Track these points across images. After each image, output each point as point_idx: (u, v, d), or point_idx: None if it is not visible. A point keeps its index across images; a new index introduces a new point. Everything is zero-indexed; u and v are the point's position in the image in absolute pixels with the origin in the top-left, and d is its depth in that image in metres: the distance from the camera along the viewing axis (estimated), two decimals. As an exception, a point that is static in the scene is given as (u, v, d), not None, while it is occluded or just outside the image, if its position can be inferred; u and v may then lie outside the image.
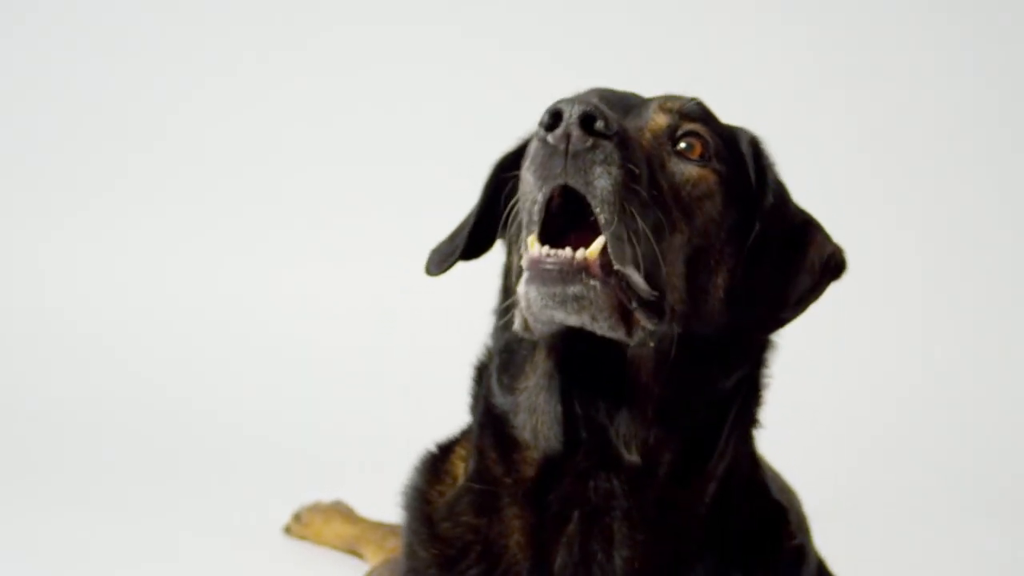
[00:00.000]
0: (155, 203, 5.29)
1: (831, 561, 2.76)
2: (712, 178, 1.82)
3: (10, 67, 5.41)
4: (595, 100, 1.68)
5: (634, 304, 1.65)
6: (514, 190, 1.94)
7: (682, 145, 1.82)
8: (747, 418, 1.95)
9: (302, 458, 3.85)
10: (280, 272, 5.08)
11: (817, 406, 4.36)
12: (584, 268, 1.60)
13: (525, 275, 1.63)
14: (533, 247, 1.64)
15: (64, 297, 4.97)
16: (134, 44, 5.41)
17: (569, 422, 1.81)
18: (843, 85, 5.25)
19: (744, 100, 5.18)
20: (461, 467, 2.01)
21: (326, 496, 3.31)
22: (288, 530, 3.26)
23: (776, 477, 2.61)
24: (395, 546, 2.94)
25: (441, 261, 2.08)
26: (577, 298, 1.61)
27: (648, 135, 1.80)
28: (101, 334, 4.78)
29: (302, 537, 3.23)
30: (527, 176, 1.66)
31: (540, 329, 1.70)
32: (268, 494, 3.50)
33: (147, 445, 3.92)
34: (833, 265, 1.95)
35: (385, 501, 3.14)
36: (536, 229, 1.65)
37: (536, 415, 1.84)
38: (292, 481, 3.56)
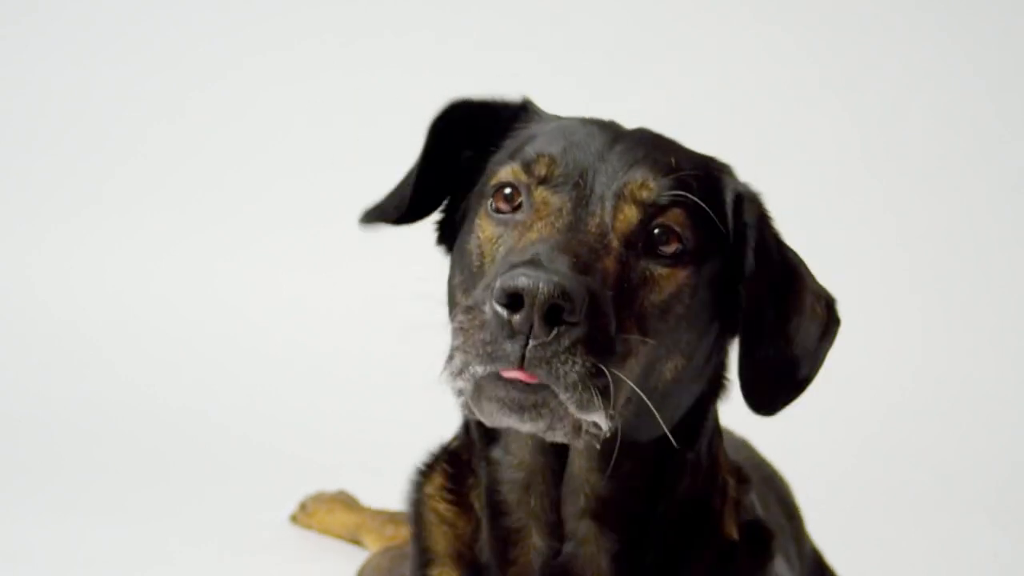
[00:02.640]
0: (146, 208, 5.28)
1: (830, 556, 2.76)
2: (683, 275, 1.69)
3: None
4: (560, 269, 1.50)
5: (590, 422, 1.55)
6: (465, 178, 1.88)
7: (657, 231, 1.69)
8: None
9: (298, 461, 3.83)
10: (274, 274, 5.07)
11: (817, 406, 4.34)
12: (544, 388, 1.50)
13: (481, 377, 1.53)
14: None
15: (57, 302, 4.95)
16: (123, 50, 5.40)
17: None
18: (839, 86, 5.25)
19: (741, 100, 5.20)
20: (477, 502, 1.89)
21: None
22: (294, 519, 3.29)
23: (764, 466, 2.60)
24: (394, 534, 2.99)
25: (379, 214, 1.98)
26: (536, 406, 1.51)
27: (616, 242, 1.65)
28: (94, 338, 4.76)
29: (307, 526, 3.26)
30: (476, 341, 1.51)
31: (488, 421, 1.60)
32: (264, 498, 3.48)
33: (141, 449, 3.89)
34: (831, 306, 1.87)
35: (383, 502, 3.16)
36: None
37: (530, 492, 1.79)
38: (288, 484, 3.55)
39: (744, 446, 2.53)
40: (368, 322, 4.70)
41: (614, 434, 1.60)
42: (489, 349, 1.49)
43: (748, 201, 1.81)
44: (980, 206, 5.14)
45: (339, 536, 3.20)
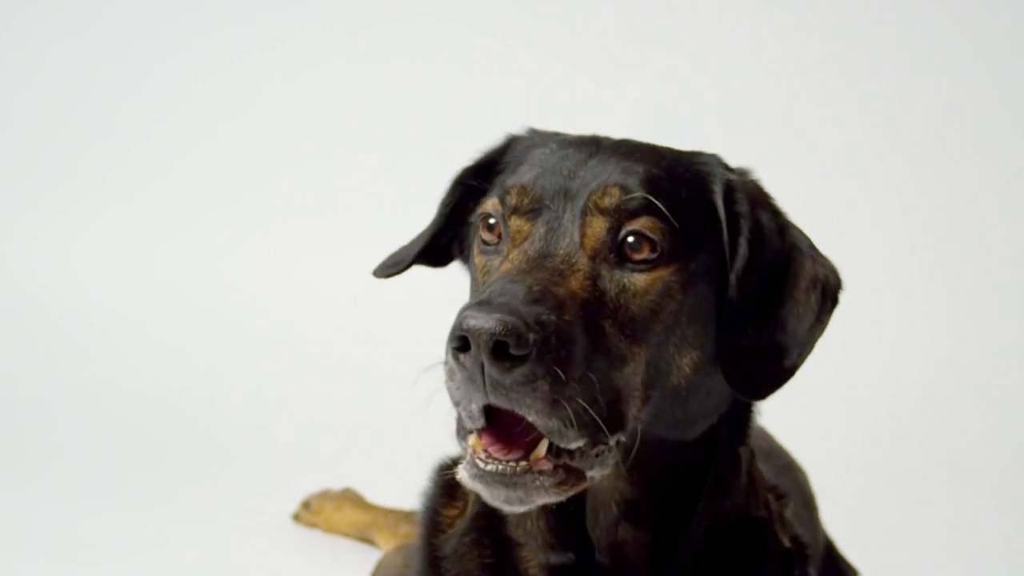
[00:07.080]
0: (150, 195, 5.28)
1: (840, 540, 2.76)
2: (664, 276, 1.70)
3: (1, 66, 5.41)
4: (510, 304, 1.53)
5: (589, 468, 1.61)
6: (472, 207, 1.91)
7: (630, 240, 1.70)
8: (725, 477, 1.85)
9: (302, 449, 3.84)
10: (278, 262, 5.07)
11: (823, 390, 4.35)
12: (529, 470, 1.57)
13: (469, 467, 1.59)
14: (477, 448, 1.60)
15: (60, 288, 4.96)
16: (127, 37, 5.40)
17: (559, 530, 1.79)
18: (844, 71, 5.23)
19: (744, 87, 5.19)
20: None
21: (332, 485, 3.30)
22: (297, 518, 3.24)
23: (782, 455, 2.59)
24: (408, 532, 2.94)
25: (389, 266, 2.04)
26: (522, 499, 1.58)
27: (585, 258, 1.68)
28: (97, 324, 4.77)
29: (312, 525, 3.21)
30: (451, 387, 1.57)
31: None
32: (269, 484, 3.49)
33: (145, 435, 3.90)
34: (828, 291, 1.84)
35: (387, 490, 3.16)
36: (478, 426, 1.60)
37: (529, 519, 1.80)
38: (292, 471, 3.56)
39: (761, 435, 2.51)
40: (374, 309, 4.70)
41: (633, 441, 1.64)
42: (464, 392, 1.55)
43: (739, 190, 1.81)
44: (986, 190, 5.13)
45: (346, 535, 3.16)
